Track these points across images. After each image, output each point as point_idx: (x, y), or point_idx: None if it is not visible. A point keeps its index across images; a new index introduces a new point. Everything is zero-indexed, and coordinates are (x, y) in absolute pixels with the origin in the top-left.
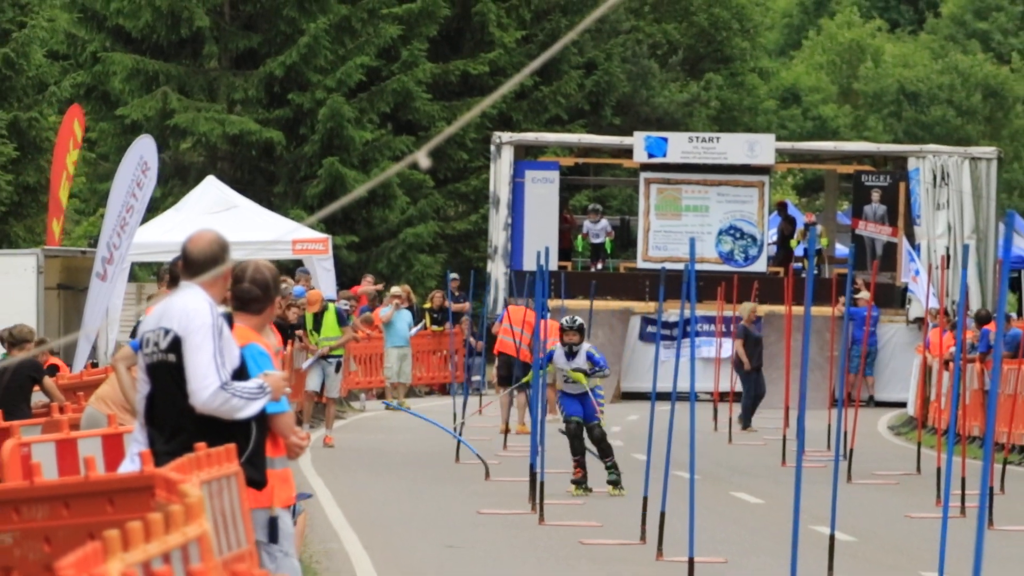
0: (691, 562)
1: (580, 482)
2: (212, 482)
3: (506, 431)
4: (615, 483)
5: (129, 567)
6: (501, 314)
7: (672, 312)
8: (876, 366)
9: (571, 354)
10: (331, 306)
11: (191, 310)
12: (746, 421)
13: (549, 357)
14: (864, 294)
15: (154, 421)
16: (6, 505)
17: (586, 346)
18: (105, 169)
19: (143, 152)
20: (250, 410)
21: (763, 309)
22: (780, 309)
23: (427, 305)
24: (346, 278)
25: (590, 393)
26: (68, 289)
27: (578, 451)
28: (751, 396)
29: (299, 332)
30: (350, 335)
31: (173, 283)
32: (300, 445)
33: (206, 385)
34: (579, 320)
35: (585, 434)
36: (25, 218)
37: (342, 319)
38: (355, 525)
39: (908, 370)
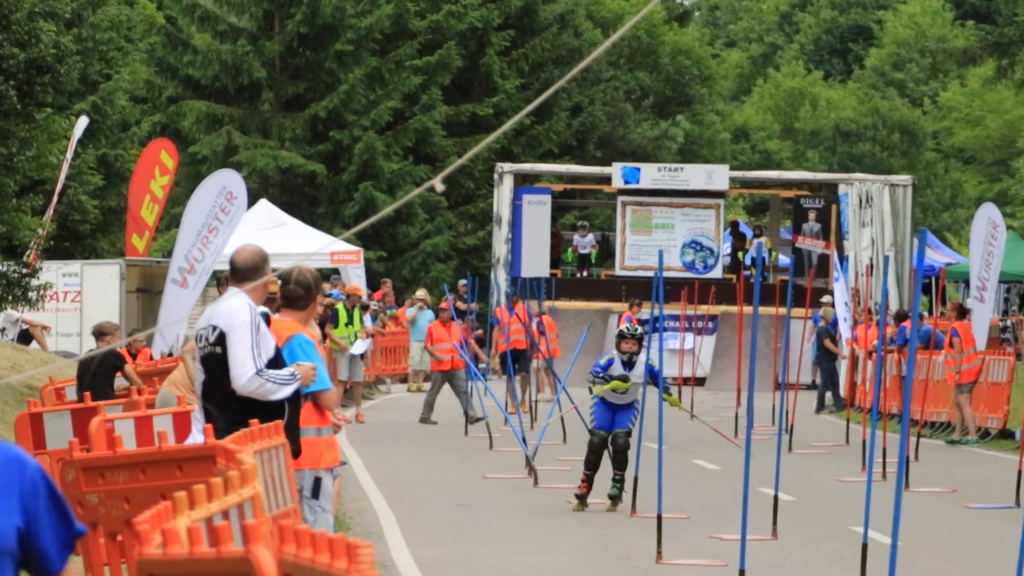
0: (659, 518)
1: (583, 497)
2: (263, 452)
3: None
4: (615, 498)
5: (194, 522)
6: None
7: (644, 311)
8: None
9: (629, 364)
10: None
11: (234, 310)
12: (820, 406)
13: (607, 366)
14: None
15: (209, 402)
16: (93, 471)
17: (643, 357)
18: (176, 194)
19: (226, 183)
20: (282, 393)
21: (718, 309)
22: (733, 309)
23: (441, 305)
24: (374, 284)
25: (633, 404)
26: (145, 292)
27: (591, 466)
28: (826, 385)
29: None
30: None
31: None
32: (338, 423)
33: (244, 372)
34: (640, 329)
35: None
36: (109, 234)
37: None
38: (381, 487)
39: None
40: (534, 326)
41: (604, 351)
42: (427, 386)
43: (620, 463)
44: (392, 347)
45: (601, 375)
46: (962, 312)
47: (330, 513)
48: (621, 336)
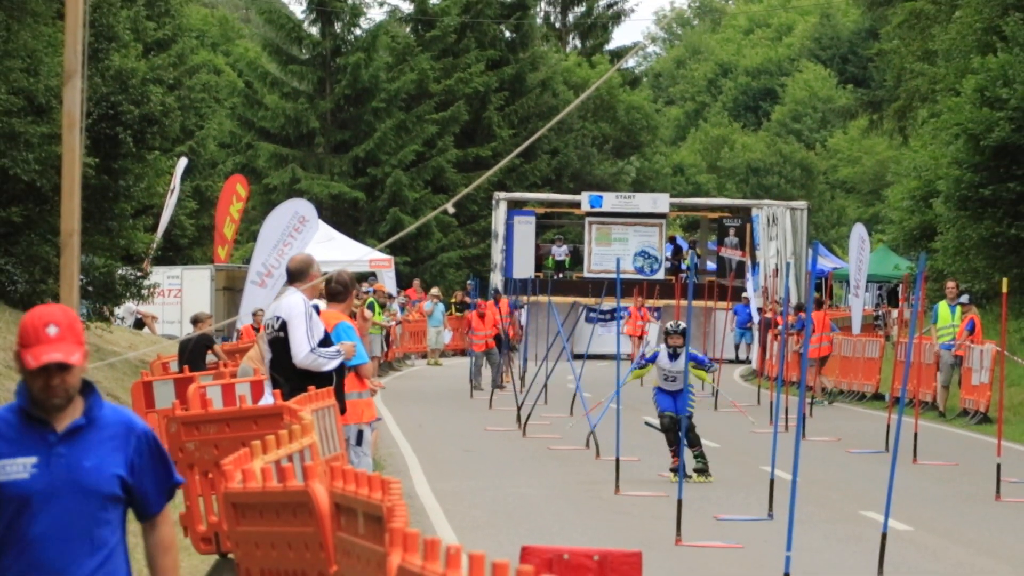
0: (617, 460)
1: (676, 470)
2: (318, 410)
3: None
4: (701, 471)
5: (266, 464)
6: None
7: (606, 304)
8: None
9: (674, 356)
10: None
11: (292, 304)
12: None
13: (653, 358)
14: (743, 293)
15: (276, 373)
16: (190, 425)
17: (687, 349)
18: (253, 216)
19: (298, 209)
20: (330, 366)
21: (662, 302)
22: (672, 302)
23: (453, 300)
24: (403, 283)
25: (686, 388)
26: (229, 290)
27: (672, 442)
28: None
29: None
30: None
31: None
32: (375, 388)
33: (301, 350)
34: (683, 324)
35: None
36: (202, 246)
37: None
38: (407, 437)
39: (751, 341)
40: (518, 317)
41: (574, 334)
42: (443, 361)
43: (693, 441)
44: (416, 331)
45: (643, 364)
46: (819, 304)
47: (370, 457)
48: (667, 333)
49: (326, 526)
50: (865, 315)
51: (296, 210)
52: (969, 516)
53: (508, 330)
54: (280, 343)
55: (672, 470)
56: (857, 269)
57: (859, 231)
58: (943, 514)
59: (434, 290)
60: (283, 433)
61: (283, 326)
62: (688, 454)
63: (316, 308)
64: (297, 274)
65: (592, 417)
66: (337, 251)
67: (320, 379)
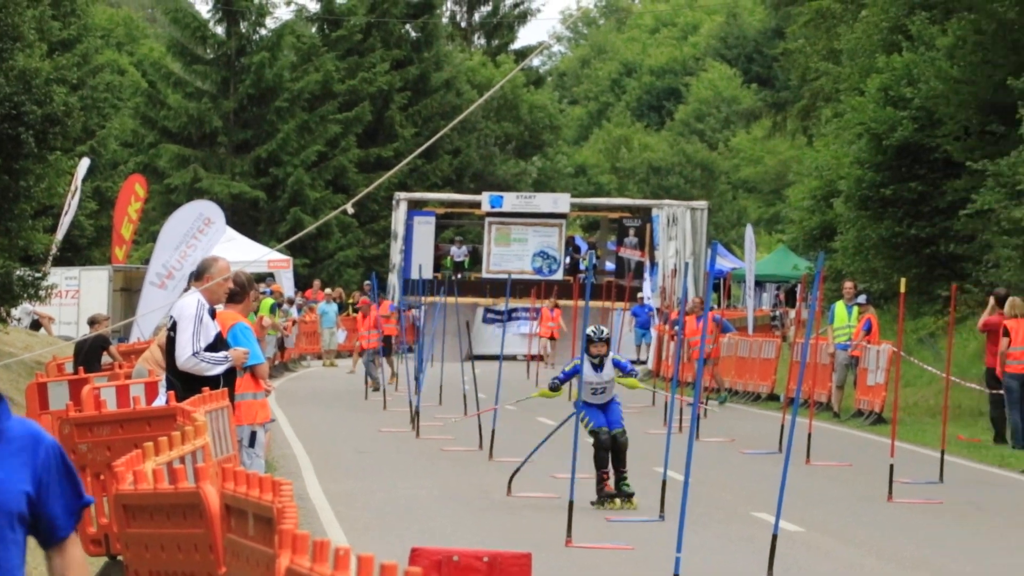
0: (516, 473)
1: (612, 495)
2: (211, 412)
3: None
4: (630, 495)
5: (159, 465)
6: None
7: (500, 303)
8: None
9: (599, 366)
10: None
11: (185, 305)
12: None
13: (574, 372)
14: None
15: (171, 374)
16: (83, 426)
17: (611, 355)
18: (153, 216)
19: (204, 211)
20: (215, 371)
21: (562, 303)
22: (571, 302)
23: (351, 300)
24: (301, 284)
25: (615, 399)
26: (127, 291)
27: (604, 463)
28: None
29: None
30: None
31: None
32: (269, 389)
33: (184, 353)
34: (606, 331)
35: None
36: (100, 247)
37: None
38: (301, 439)
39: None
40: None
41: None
42: (339, 362)
43: (623, 460)
44: (311, 331)
45: (563, 380)
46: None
47: (263, 458)
48: (589, 341)
49: (216, 528)
50: (762, 315)
51: (201, 212)
52: (861, 517)
53: (389, 331)
54: (172, 344)
55: (608, 495)
56: (749, 270)
57: (749, 233)
58: (835, 515)
59: (327, 290)
60: (176, 435)
61: (174, 326)
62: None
63: (211, 312)
64: (197, 272)
65: (484, 419)
66: (236, 251)
67: (214, 380)
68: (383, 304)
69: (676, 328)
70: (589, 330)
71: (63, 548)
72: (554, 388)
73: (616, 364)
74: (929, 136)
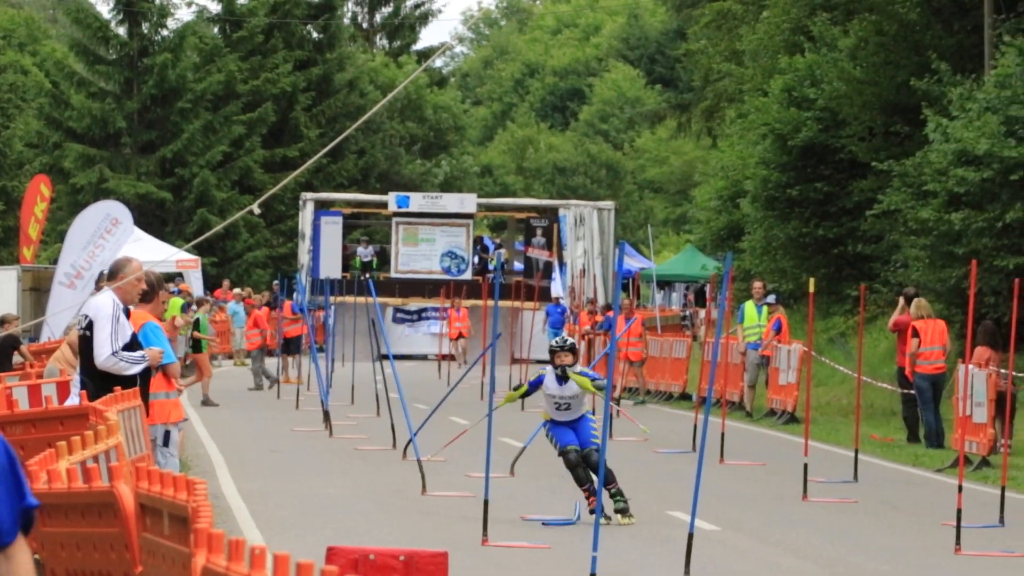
0: (420, 462)
1: (594, 511)
2: (124, 411)
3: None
4: (624, 511)
5: (72, 464)
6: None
7: (411, 303)
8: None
9: (564, 378)
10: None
11: (100, 304)
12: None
13: (538, 382)
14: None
15: (84, 374)
16: None
17: (578, 367)
18: (60, 216)
19: (111, 211)
20: (132, 370)
21: (469, 303)
22: (479, 302)
23: (260, 300)
24: (209, 284)
25: (585, 416)
26: (36, 291)
27: (583, 480)
28: None
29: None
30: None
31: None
32: (181, 388)
33: (103, 352)
34: (570, 340)
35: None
36: (8, 247)
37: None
38: (215, 438)
39: None
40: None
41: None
42: (248, 361)
43: (608, 477)
44: (221, 332)
45: (527, 392)
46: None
47: (176, 457)
48: (553, 351)
49: (131, 527)
50: (672, 315)
51: (109, 212)
52: (776, 516)
53: (293, 332)
54: (86, 343)
55: (592, 512)
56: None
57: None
58: (750, 514)
59: (237, 290)
60: (89, 434)
61: (90, 325)
62: (604, 493)
63: (126, 311)
64: (111, 272)
65: (396, 417)
66: (144, 251)
67: (126, 380)
68: (285, 305)
69: (603, 328)
70: (553, 341)
71: (9, 554)
72: (516, 388)
73: (583, 374)
74: (834, 137)
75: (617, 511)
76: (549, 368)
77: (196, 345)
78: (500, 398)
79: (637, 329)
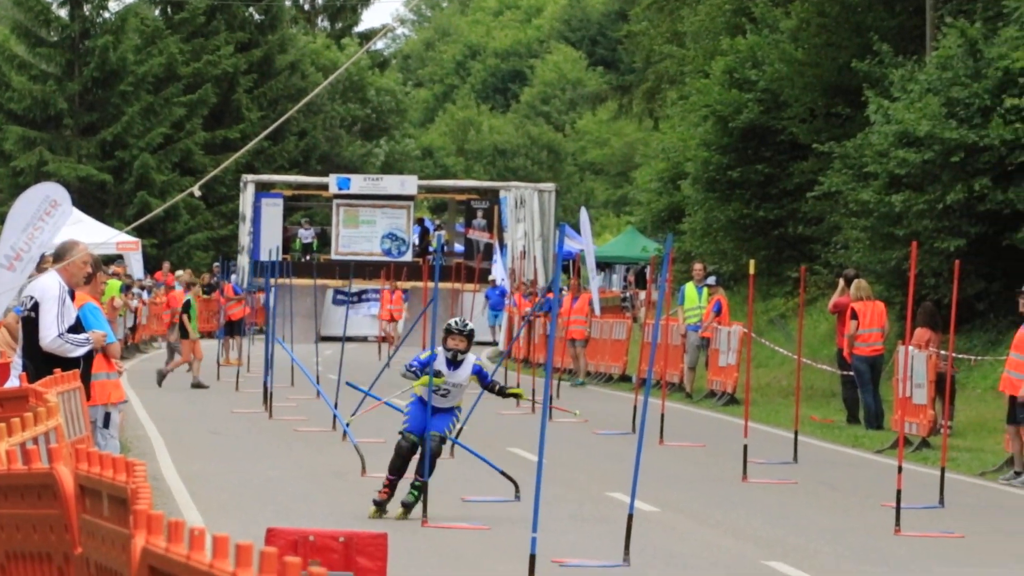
0: (357, 446)
1: (382, 504)
2: (64, 393)
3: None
4: (409, 506)
5: (11, 446)
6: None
7: (355, 285)
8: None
9: (455, 362)
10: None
11: (46, 286)
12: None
13: (427, 362)
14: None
15: (25, 355)
16: None
17: (472, 357)
18: (1, 198)
19: (50, 193)
20: (78, 352)
21: (409, 284)
22: (420, 284)
23: (200, 282)
24: (149, 266)
25: (454, 411)
26: None
27: (396, 471)
28: None
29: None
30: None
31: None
32: (121, 370)
33: (49, 334)
34: (470, 324)
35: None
36: None
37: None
38: (154, 420)
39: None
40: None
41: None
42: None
43: (424, 467)
44: (162, 313)
45: (415, 370)
46: (579, 288)
47: (117, 439)
48: (448, 332)
49: (71, 508)
50: (612, 297)
51: (48, 194)
52: (716, 497)
53: (236, 315)
54: (31, 324)
55: (376, 503)
56: (588, 252)
57: (583, 215)
58: (690, 495)
59: (179, 272)
60: (28, 416)
61: (35, 307)
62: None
63: (71, 294)
64: (56, 254)
65: (336, 398)
66: (84, 233)
67: (67, 362)
68: (226, 287)
69: (543, 310)
70: (451, 320)
71: None
72: (417, 374)
73: (478, 372)
74: (775, 118)
75: (403, 503)
76: (440, 349)
77: (184, 329)
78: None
79: (583, 308)
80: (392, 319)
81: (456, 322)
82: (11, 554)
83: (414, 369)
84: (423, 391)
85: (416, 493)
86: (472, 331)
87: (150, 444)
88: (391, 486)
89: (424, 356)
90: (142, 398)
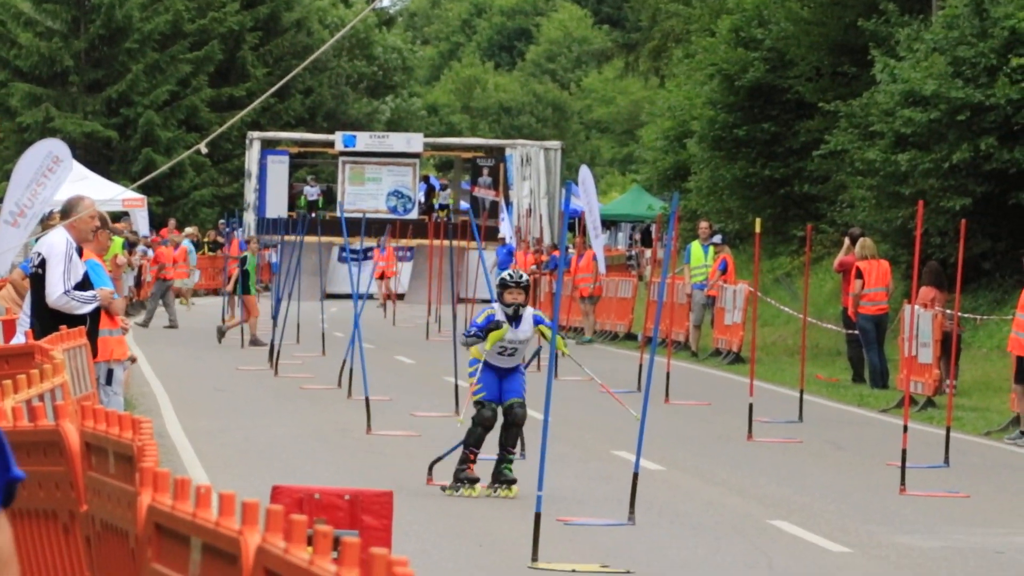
0: (367, 400)
1: (474, 480)
2: (70, 350)
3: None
4: (511, 482)
5: (17, 403)
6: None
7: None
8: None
9: (515, 318)
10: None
11: (54, 242)
12: None
13: (485, 324)
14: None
15: (33, 312)
16: None
17: (530, 310)
18: (7, 155)
19: (52, 149)
20: (84, 309)
21: (415, 242)
22: (426, 241)
23: (206, 239)
24: (155, 223)
25: (520, 367)
26: None
27: (479, 443)
28: None
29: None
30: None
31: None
32: (125, 326)
33: (55, 291)
34: (525, 275)
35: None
36: None
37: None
38: (160, 377)
39: None
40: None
41: (327, 272)
42: (196, 301)
43: (513, 439)
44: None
45: (476, 333)
46: (584, 246)
47: (121, 396)
48: (503, 286)
49: (76, 465)
50: (618, 255)
51: (50, 150)
52: (721, 456)
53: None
54: (38, 281)
55: (468, 480)
56: (589, 211)
57: (583, 173)
58: (695, 454)
59: (189, 229)
60: (34, 372)
61: (42, 263)
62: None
63: (79, 251)
64: (64, 211)
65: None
66: (90, 190)
67: (74, 319)
68: (233, 243)
69: (548, 268)
70: (506, 274)
71: None
72: (467, 345)
73: (540, 322)
74: (781, 77)
75: (505, 480)
76: (498, 306)
77: (245, 286)
78: (446, 337)
79: (589, 266)
80: (384, 276)
81: (511, 275)
82: (16, 511)
83: (474, 333)
84: (488, 355)
85: (509, 468)
86: (528, 281)
87: (155, 401)
88: (475, 460)
89: (480, 319)
90: (147, 355)
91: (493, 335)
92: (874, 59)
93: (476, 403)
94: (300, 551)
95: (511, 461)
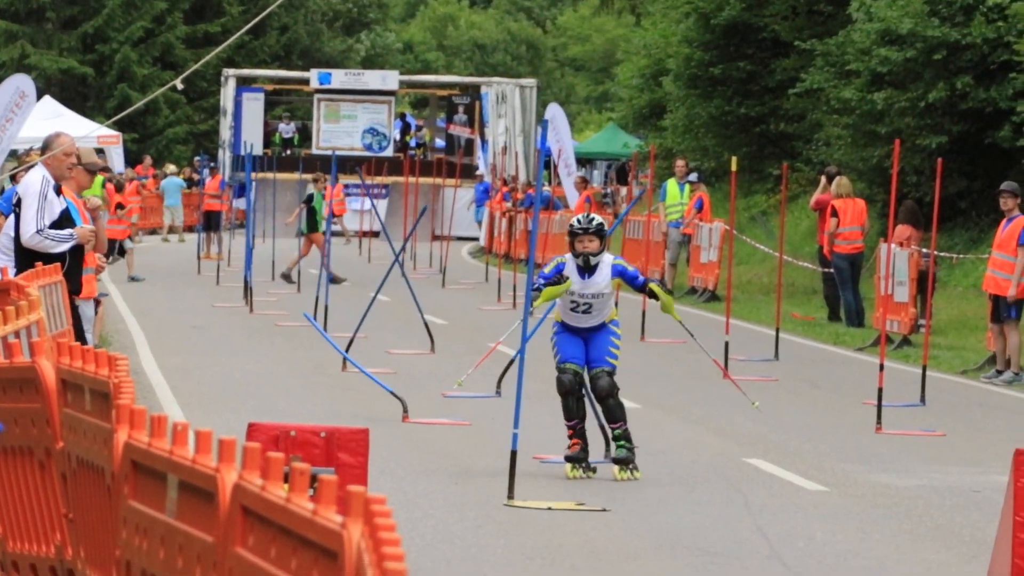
0: (351, 340)
1: (578, 459)
2: (45, 287)
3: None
4: (625, 461)
5: None
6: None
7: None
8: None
9: (587, 268)
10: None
11: (30, 181)
12: None
13: (554, 274)
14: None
15: (15, 251)
16: None
17: (608, 257)
18: None
19: (19, 84)
20: (59, 248)
21: (390, 179)
22: (401, 179)
23: (183, 176)
24: (130, 160)
25: (608, 326)
26: None
27: (573, 414)
28: None
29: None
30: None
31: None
32: (102, 265)
33: (28, 230)
34: (597, 218)
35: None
36: None
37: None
38: (135, 315)
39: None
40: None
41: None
42: (173, 238)
43: (612, 413)
44: (151, 207)
45: (541, 286)
46: (585, 182)
47: (90, 333)
48: (572, 234)
49: (52, 402)
50: (594, 192)
51: (18, 85)
52: (696, 394)
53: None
54: (16, 219)
55: (569, 459)
56: (561, 149)
57: (553, 110)
58: (671, 392)
59: (171, 166)
60: (9, 309)
61: (19, 202)
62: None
63: (56, 189)
64: (43, 149)
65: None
66: (65, 127)
67: (51, 258)
68: (215, 178)
69: (523, 206)
70: (575, 220)
71: None
72: (550, 283)
73: (621, 273)
74: (757, 15)
75: (616, 460)
76: (569, 256)
77: (312, 222)
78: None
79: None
80: (334, 214)
81: (580, 220)
82: None
83: (537, 286)
84: (562, 313)
85: (625, 444)
86: (601, 225)
87: (130, 338)
88: (577, 433)
89: (548, 269)
90: (123, 292)
91: (548, 291)
92: None
93: (559, 368)
94: (277, 488)
95: (618, 439)
